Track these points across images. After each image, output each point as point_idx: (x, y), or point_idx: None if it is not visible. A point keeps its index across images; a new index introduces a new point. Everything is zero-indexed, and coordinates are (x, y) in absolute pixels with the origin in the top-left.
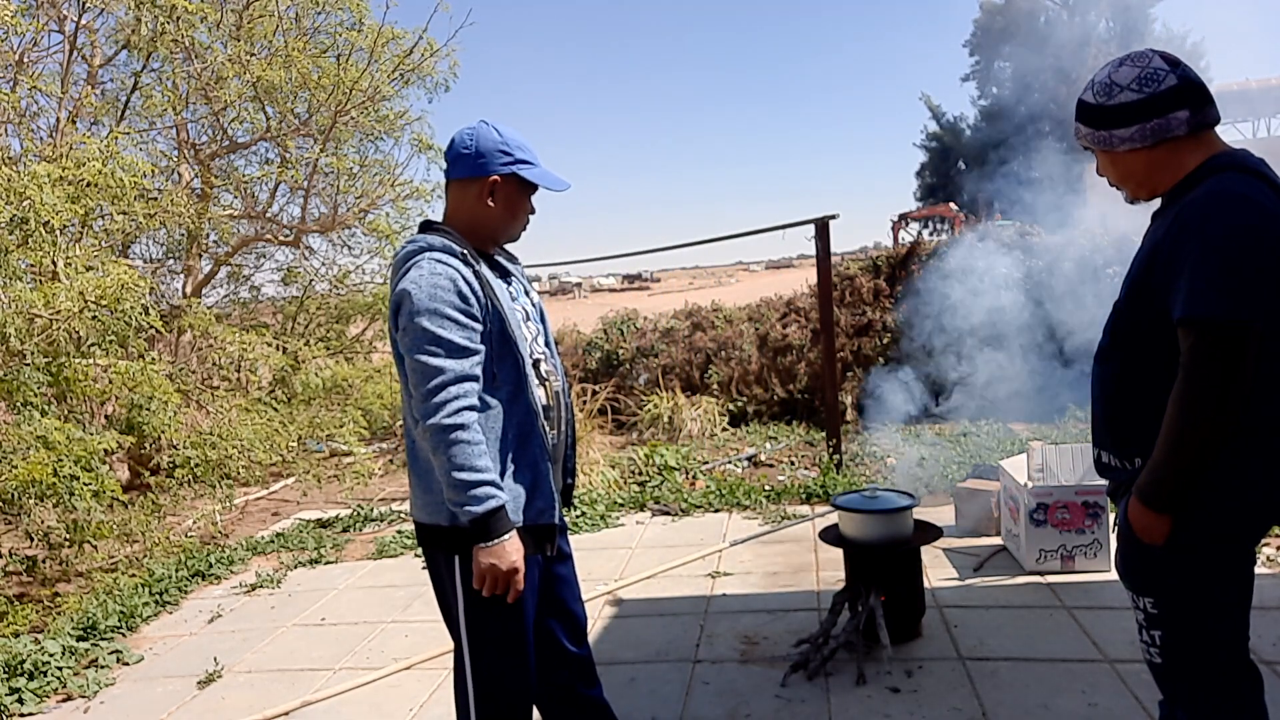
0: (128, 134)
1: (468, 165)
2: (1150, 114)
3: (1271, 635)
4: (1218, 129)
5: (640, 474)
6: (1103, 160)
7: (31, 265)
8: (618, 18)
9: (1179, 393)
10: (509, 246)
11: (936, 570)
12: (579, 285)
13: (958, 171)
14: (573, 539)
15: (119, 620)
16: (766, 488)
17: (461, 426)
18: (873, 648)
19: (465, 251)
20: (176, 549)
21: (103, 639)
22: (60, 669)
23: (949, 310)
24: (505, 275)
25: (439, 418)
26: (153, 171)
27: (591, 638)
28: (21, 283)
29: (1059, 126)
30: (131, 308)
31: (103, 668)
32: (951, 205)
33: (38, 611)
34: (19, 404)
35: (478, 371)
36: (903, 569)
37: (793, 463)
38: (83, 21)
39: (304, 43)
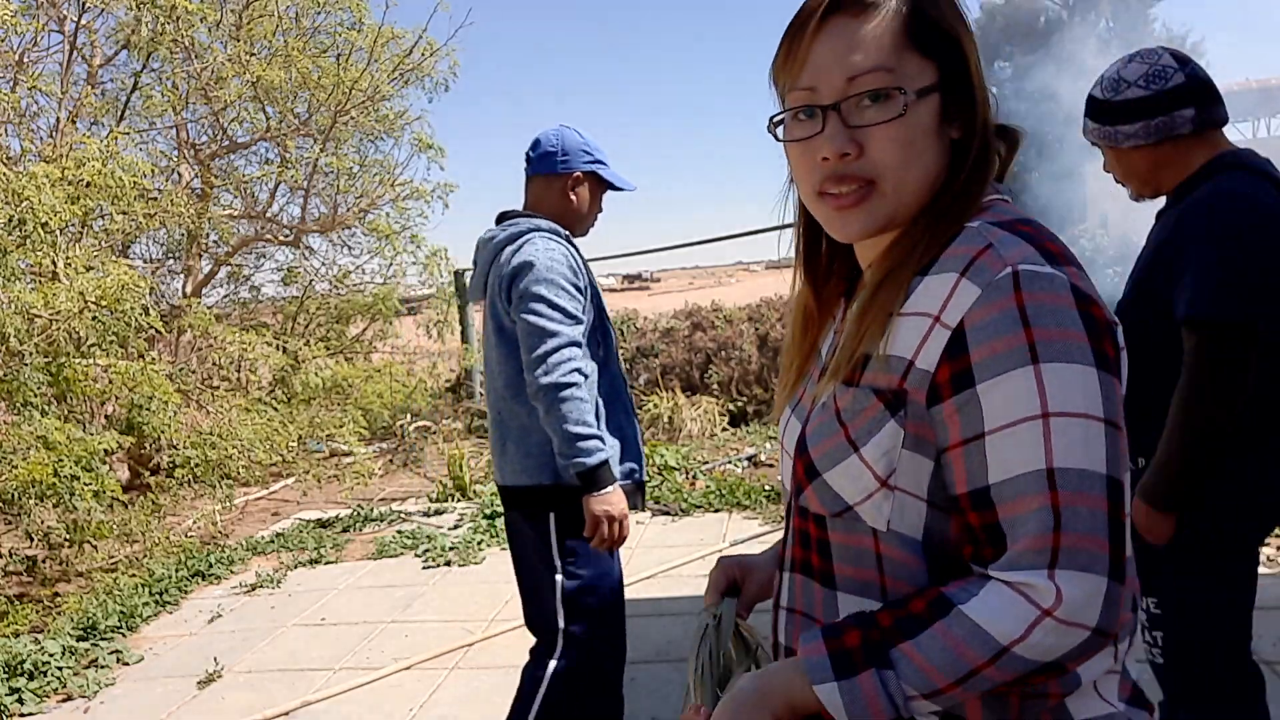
0: (128, 134)
1: (553, 162)
2: (1155, 111)
3: (1271, 635)
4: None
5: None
6: (1109, 156)
7: (31, 265)
8: (618, 15)
9: (1182, 393)
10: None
11: None
12: None
13: None
14: None
15: (119, 620)
16: (766, 488)
17: (574, 384)
18: None
19: (566, 234)
20: (176, 549)
21: (103, 639)
22: (60, 669)
23: None
24: None
25: (554, 376)
26: (153, 171)
27: None
28: (21, 283)
29: (1058, 126)
30: (131, 308)
31: (103, 668)
32: None
33: (38, 611)
34: (19, 404)
35: (582, 339)
36: None
37: None
38: (83, 21)
39: (304, 43)
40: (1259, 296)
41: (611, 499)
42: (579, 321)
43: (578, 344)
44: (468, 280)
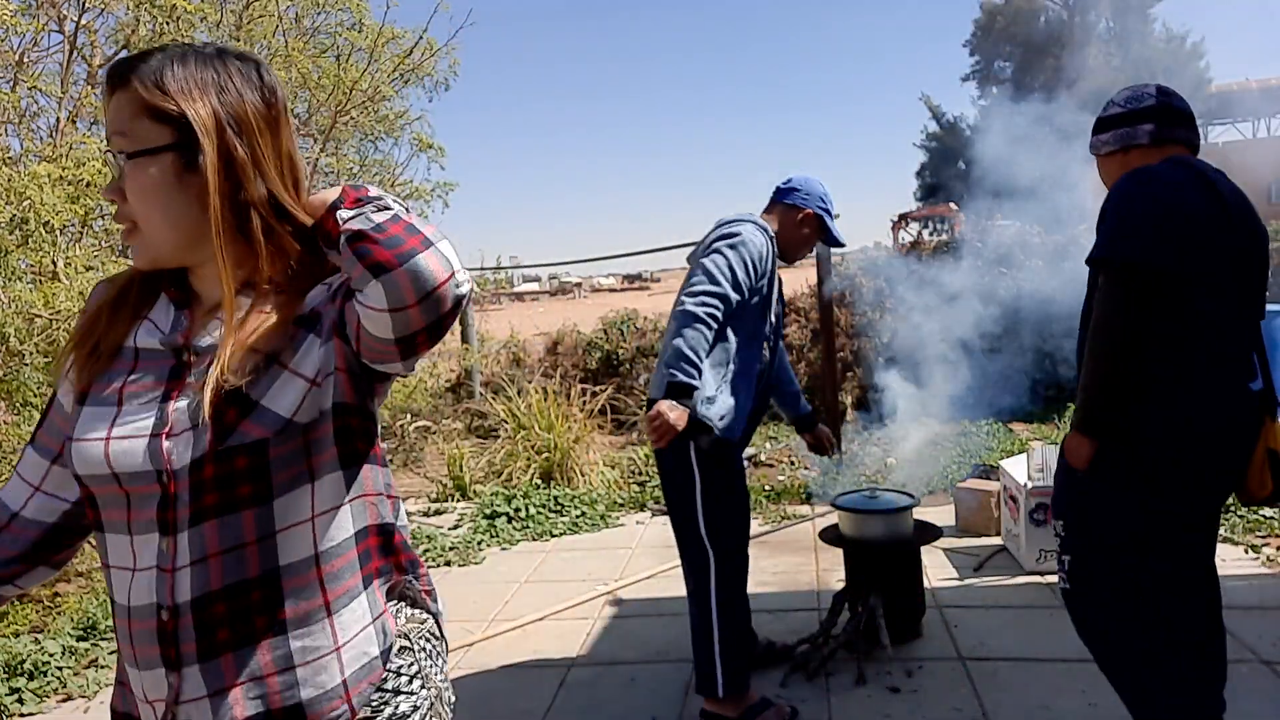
0: None
1: (795, 196)
2: (1123, 123)
3: (1271, 635)
4: (1220, 136)
5: (640, 474)
6: (1098, 165)
7: (31, 265)
8: (617, 15)
9: (1091, 325)
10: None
11: (936, 570)
12: (579, 285)
13: (958, 171)
14: (572, 539)
15: None
16: (766, 488)
17: (704, 321)
18: (873, 648)
19: (773, 238)
20: None
21: (103, 639)
22: (60, 669)
23: (948, 309)
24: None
25: (693, 306)
26: None
27: (591, 638)
28: (21, 283)
29: (1057, 127)
30: None
31: (103, 668)
32: (951, 205)
33: (38, 611)
34: (19, 404)
35: (730, 303)
36: (903, 569)
37: (793, 463)
38: (83, 21)
39: (304, 43)
40: (1143, 242)
41: (674, 408)
42: (740, 292)
43: (728, 301)
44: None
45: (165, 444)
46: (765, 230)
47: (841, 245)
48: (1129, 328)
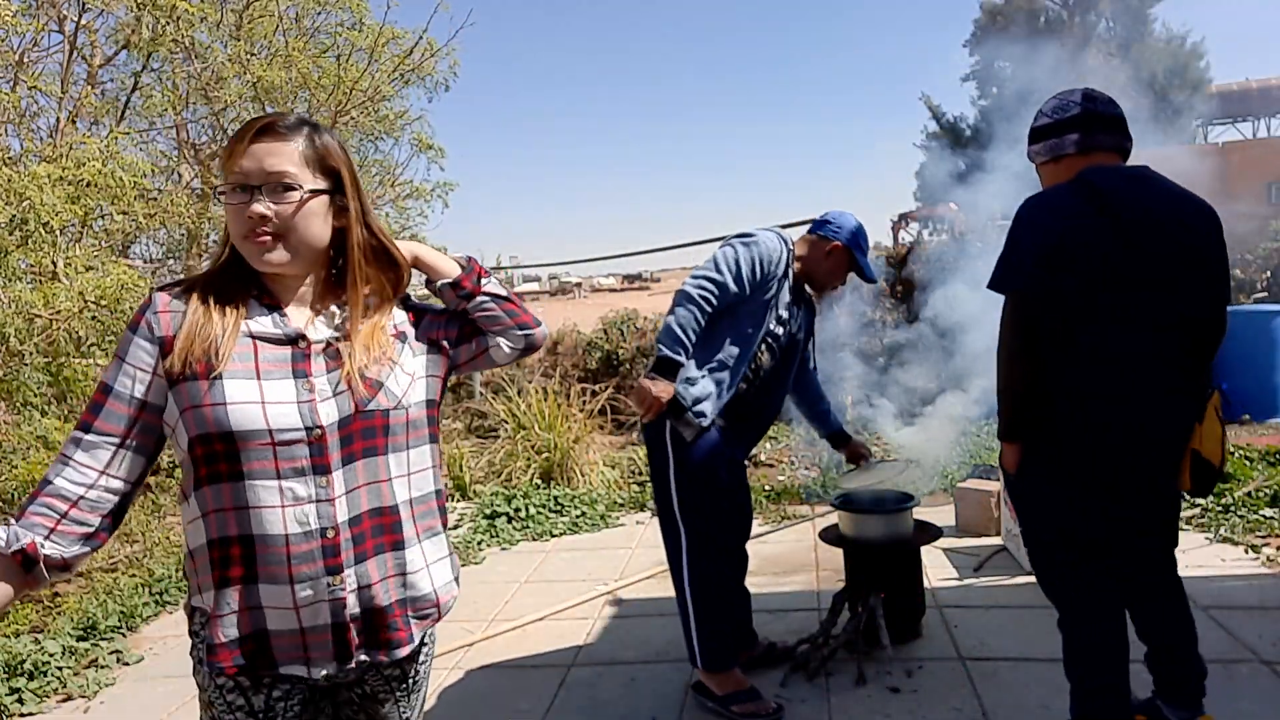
0: (128, 134)
1: (827, 229)
2: (1051, 134)
3: (1271, 635)
4: (1220, 136)
5: (640, 474)
6: (1037, 172)
7: (31, 265)
8: (616, 15)
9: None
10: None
11: (936, 570)
12: (579, 285)
13: (958, 171)
14: (572, 539)
15: (119, 620)
16: (766, 488)
17: (697, 302)
18: (873, 648)
19: (791, 251)
20: (176, 549)
21: (103, 639)
22: (60, 669)
23: (947, 308)
24: (798, 303)
25: (691, 287)
26: (153, 171)
27: (591, 638)
28: (21, 283)
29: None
30: (131, 308)
31: (103, 668)
32: (952, 205)
33: (38, 611)
34: (19, 404)
35: (728, 292)
36: (903, 569)
37: (793, 463)
38: (83, 21)
39: (304, 43)
40: (1023, 272)
41: (658, 381)
42: (741, 285)
43: (726, 290)
44: None
45: (319, 407)
46: (784, 240)
47: (873, 281)
48: (1016, 346)
